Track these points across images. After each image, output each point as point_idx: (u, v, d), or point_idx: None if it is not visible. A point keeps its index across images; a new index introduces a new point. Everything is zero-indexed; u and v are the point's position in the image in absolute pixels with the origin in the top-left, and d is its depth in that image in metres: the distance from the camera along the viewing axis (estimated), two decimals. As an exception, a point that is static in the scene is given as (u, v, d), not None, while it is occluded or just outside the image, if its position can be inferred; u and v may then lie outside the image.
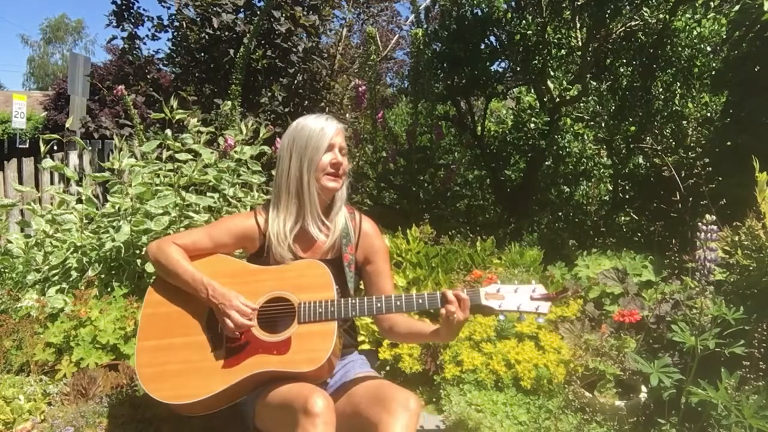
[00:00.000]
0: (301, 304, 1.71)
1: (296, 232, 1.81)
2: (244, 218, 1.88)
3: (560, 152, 4.82)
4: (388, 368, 2.69)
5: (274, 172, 1.88)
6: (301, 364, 1.65)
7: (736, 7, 3.50)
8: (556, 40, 4.64)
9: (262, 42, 5.49)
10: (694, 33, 4.06)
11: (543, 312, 1.68)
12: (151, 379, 1.71)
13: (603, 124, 4.49)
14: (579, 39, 4.54)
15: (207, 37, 5.51)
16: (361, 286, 1.95)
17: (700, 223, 2.07)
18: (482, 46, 4.75)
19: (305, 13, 5.71)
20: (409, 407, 1.56)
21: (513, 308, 1.70)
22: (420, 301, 1.70)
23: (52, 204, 3.43)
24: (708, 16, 4.07)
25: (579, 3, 4.34)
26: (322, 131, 1.78)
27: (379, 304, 1.72)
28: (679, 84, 4.29)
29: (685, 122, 4.39)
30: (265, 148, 3.55)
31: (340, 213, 1.86)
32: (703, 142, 4.21)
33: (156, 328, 1.77)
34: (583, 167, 5.08)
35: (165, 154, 3.30)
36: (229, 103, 4.39)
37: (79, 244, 2.98)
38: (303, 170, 1.77)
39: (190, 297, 1.76)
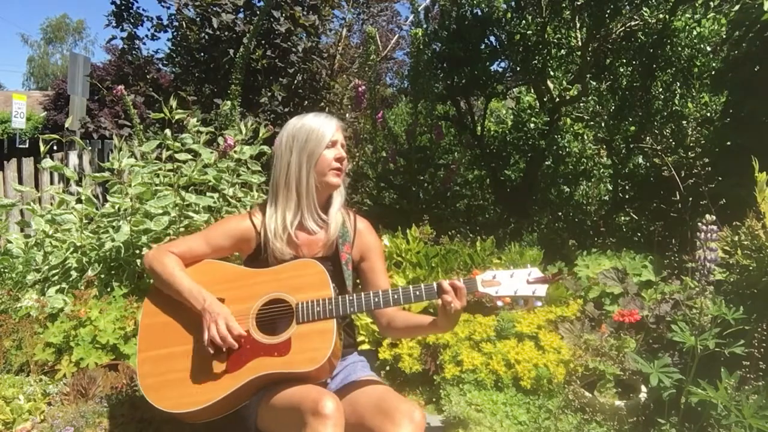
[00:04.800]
0: (299, 304, 1.71)
1: (296, 225, 1.82)
2: (239, 220, 1.89)
3: (560, 152, 4.82)
4: (387, 368, 2.68)
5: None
6: (303, 364, 1.65)
7: (736, 7, 3.49)
8: (555, 40, 4.64)
9: (262, 42, 5.49)
10: (694, 33, 4.05)
11: (540, 295, 1.68)
12: (154, 389, 1.71)
13: (603, 124, 4.48)
14: (579, 39, 4.54)
15: (207, 37, 5.51)
16: (358, 283, 1.95)
17: (700, 223, 2.07)
18: (482, 46, 4.75)
19: (305, 13, 5.71)
20: (414, 419, 1.57)
21: (510, 293, 1.69)
22: (417, 292, 1.70)
23: (51, 204, 3.43)
24: (708, 16, 4.07)
25: (579, 3, 4.33)
26: (323, 127, 1.80)
27: (376, 299, 1.72)
28: (679, 84, 4.29)
29: (684, 122, 4.38)
30: (265, 147, 3.55)
31: (338, 210, 1.87)
32: (703, 142, 4.20)
33: (155, 338, 1.77)
34: (583, 167, 5.08)
35: (165, 154, 3.30)
36: (229, 103, 4.39)
37: (78, 244, 2.98)
38: (302, 165, 1.79)
39: (187, 305, 1.76)
